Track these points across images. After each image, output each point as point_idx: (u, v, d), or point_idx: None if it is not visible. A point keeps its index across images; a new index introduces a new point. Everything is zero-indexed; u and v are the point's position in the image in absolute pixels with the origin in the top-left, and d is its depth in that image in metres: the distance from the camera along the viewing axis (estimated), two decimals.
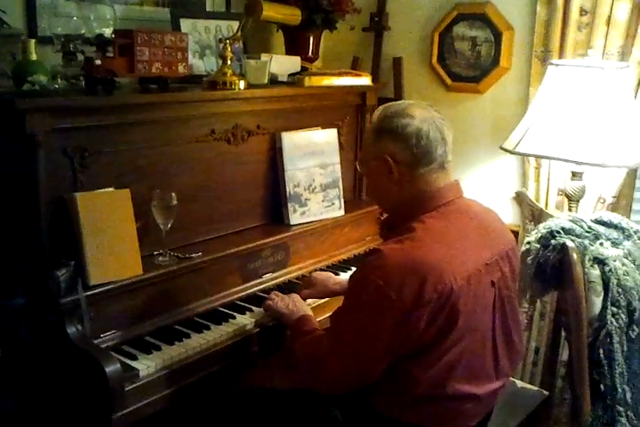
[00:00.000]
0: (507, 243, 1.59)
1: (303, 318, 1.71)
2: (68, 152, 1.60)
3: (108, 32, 1.83)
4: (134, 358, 1.57)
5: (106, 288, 1.60)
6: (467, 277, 1.41)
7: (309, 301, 1.93)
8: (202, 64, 2.22)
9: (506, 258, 1.56)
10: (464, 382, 1.45)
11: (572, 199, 2.21)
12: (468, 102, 2.65)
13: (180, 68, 1.84)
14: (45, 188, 1.55)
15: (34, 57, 1.56)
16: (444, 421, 1.47)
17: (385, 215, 2.43)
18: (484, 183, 2.63)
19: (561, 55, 2.32)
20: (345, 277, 2.08)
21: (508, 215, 2.57)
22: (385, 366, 1.42)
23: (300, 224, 2.22)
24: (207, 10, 2.50)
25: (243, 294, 1.98)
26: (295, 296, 1.84)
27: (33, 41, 1.58)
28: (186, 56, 1.84)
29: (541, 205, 2.47)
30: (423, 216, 1.47)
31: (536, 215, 2.46)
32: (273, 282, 2.09)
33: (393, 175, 1.49)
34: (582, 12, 2.27)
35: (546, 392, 2.03)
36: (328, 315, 1.61)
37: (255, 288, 2.03)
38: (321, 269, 2.21)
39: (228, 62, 1.99)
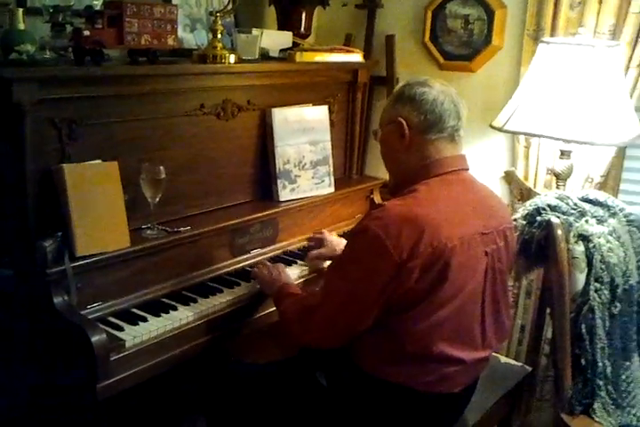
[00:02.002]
0: (505, 221, 1.63)
1: (286, 285, 1.77)
2: (55, 123, 1.59)
3: (97, 4, 1.82)
4: (121, 329, 1.59)
5: (92, 260, 1.60)
6: (461, 238, 1.46)
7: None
8: (192, 38, 2.21)
9: (502, 234, 1.59)
10: (450, 344, 1.49)
11: (560, 178, 2.22)
12: (460, 81, 2.63)
13: (170, 41, 1.83)
14: (32, 159, 1.55)
15: (22, 26, 1.55)
16: (429, 383, 1.50)
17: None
18: (474, 162, 2.60)
19: (553, 34, 2.31)
20: None
21: (497, 194, 2.58)
22: (375, 315, 1.46)
23: (289, 201, 2.23)
24: None
25: (231, 268, 2.00)
26: (280, 266, 1.88)
27: (21, 10, 1.57)
28: (175, 28, 1.84)
29: (530, 184, 2.48)
30: (427, 180, 1.54)
31: (524, 194, 2.48)
32: (261, 257, 2.10)
33: (404, 139, 1.55)
34: None
35: (528, 368, 2.05)
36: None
37: (243, 263, 2.04)
38: (309, 246, 2.23)
39: (219, 36, 1.98)
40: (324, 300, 1.52)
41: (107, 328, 1.56)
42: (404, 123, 1.54)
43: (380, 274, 1.42)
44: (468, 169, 1.62)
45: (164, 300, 1.76)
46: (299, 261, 2.12)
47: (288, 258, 2.14)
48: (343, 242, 2.06)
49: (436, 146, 1.55)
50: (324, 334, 1.53)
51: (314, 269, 2.07)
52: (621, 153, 2.36)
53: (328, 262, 2.02)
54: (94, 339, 1.45)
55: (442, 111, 1.53)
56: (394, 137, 1.57)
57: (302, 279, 2.03)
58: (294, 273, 2.02)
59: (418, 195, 1.50)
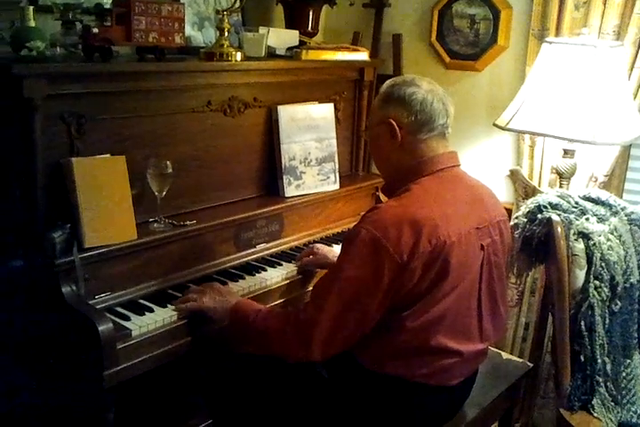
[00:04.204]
0: (499, 214, 1.65)
1: (242, 302, 1.67)
2: (64, 118, 1.63)
3: (106, 2, 1.86)
4: (127, 318, 1.62)
5: (100, 251, 1.64)
6: (458, 234, 1.48)
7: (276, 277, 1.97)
8: (200, 36, 2.25)
9: (497, 227, 1.62)
10: (448, 337, 1.51)
11: (564, 177, 2.23)
12: (466, 80, 2.66)
13: (177, 39, 1.86)
14: (42, 152, 1.58)
15: (32, 23, 1.59)
16: (426, 375, 1.53)
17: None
18: (479, 161, 2.66)
19: (557, 34, 2.33)
20: None
21: (502, 193, 2.60)
22: (378, 318, 1.47)
23: (294, 197, 2.26)
24: None
25: (236, 262, 2.03)
26: (215, 284, 1.77)
27: (31, 7, 1.60)
28: (182, 26, 1.87)
29: (535, 182, 2.50)
30: (420, 179, 1.55)
31: (529, 193, 2.49)
32: (267, 252, 2.13)
33: (396, 139, 1.57)
34: None
35: (530, 364, 2.06)
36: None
37: (249, 257, 2.07)
38: (314, 242, 2.27)
39: (226, 34, 2.01)
40: (323, 311, 1.47)
41: (113, 318, 1.59)
42: (395, 123, 1.55)
43: (382, 277, 1.42)
44: (459, 165, 1.63)
45: (170, 291, 1.79)
46: None
47: (294, 253, 2.17)
48: (333, 250, 2.07)
49: (428, 144, 1.57)
50: (328, 345, 1.48)
51: (302, 270, 2.05)
52: (626, 153, 2.38)
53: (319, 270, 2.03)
54: (101, 328, 1.48)
55: (432, 111, 1.55)
56: (384, 137, 1.58)
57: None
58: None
59: (412, 194, 1.51)
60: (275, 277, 1.98)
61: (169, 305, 1.71)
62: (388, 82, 1.63)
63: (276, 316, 1.57)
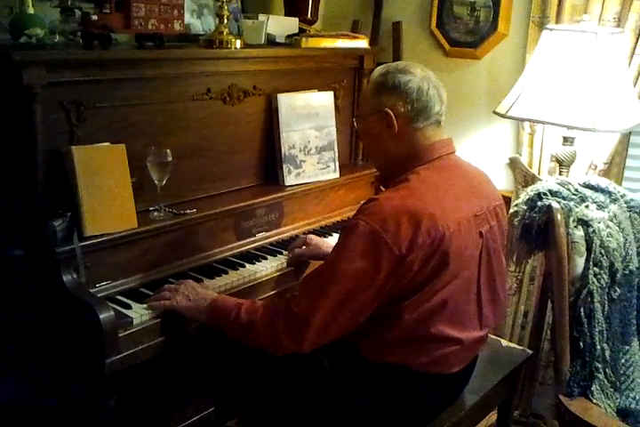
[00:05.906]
0: (495, 199, 1.66)
1: (220, 299, 1.62)
2: (64, 106, 1.63)
3: None
4: (128, 307, 1.63)
5: (101, 239, 1.64)
6: (457, 224, 1.48)
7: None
8: (199, 23, 2.23)
9: (494, 213, 1.62)
10: (448, 325, 1.51)
11: (563, 164, 2.23)
12: (466, 68, 2.66)
13: (176, 26, 1.86)
14: (42, 140, 1.58)
15: (31, 10, 1.59)
16: (427, 364, 1.53)
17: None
18: (479, 148, 2.66)
19: (558, 21, 2.32)
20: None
21: (502, 181, 2.61)
22: (374, 309, 1.47)
23: (294, 185, 2.26)
24: None
25: (236, 251, 2.03)
26: (189, 282, 1.70)
27: None
28: (182, 13, 1.87)
29: (534, 170, 2.50)
30: (417, 168, 1.54)
31: (528, 181, 2.49)
32: (266, 240, 2.14)
33: (392, 129, 1.54)
34: None
35: (529, 351, 2.08)
36: None
37: (249, 246, 2.08)
38: (314, 231, 2.27)
39: (225, 21, 2.00)
40: (318, 304, 1.43)
41: (115, 306, 1.60)
42: (391, 113, 1.52)
43: (381, 270, 1.40)
44: (454, 152, 1.62)
45: (170, 280, 1.79)
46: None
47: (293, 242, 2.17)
48: (327, 241, 2.05)
49: (424, 133, 1.55)
50: (320, 337, 1.46)
51: (294, 262, 2.02)
52: (626, 140, 2.37)
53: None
54: (102, 316, 1.49)
55: (427, 99, 1.52)
56: (379, 127, 1.56)
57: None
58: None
59: (410, 185, 1.50)
60: (275, 266, 1.99)
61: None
62: (379, 69, 1.59)
63: (264, 309, 1.52)
